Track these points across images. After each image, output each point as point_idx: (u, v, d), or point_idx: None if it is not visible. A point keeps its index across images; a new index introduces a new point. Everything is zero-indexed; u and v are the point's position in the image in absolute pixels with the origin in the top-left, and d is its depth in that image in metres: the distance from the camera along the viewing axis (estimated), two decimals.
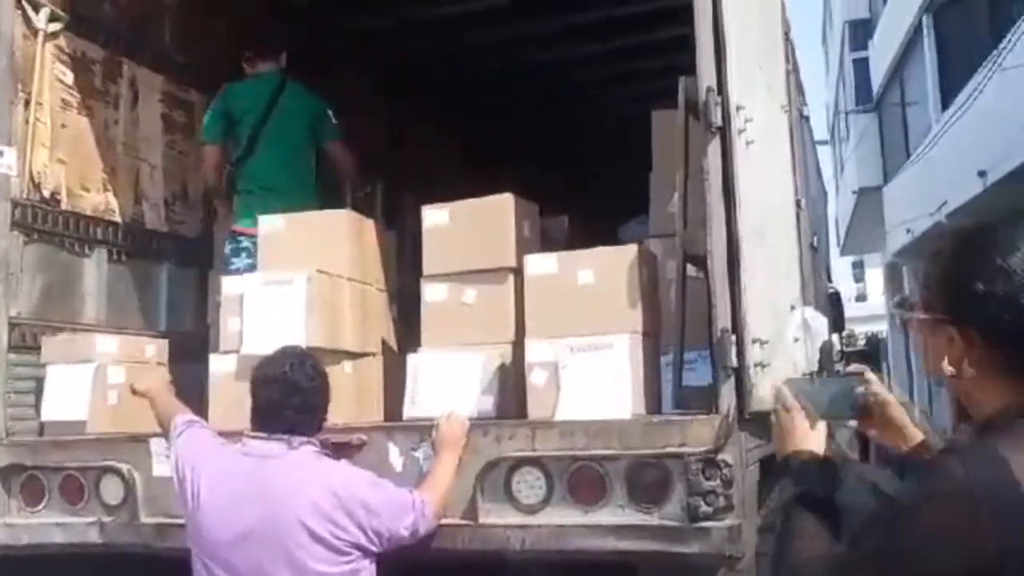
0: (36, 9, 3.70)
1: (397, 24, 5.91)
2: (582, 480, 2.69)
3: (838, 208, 23.15)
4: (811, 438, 1.55)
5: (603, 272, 3.07)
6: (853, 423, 1.76)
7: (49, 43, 3.78)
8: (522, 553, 2.73)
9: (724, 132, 2.72)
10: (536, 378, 3.00)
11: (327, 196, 4.49)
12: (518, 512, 2.76)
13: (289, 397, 2.43)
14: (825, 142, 25.33)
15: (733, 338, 2.66)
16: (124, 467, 3.14)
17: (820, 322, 2.91)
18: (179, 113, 4.56)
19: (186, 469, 2.55)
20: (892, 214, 16.36)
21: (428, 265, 3.39)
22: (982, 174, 10.37)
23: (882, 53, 17.23)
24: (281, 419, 2.44)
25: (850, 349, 25.20)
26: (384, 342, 3.70)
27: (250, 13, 4.92)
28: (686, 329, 3.06)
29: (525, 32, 6.23)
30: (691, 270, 3.31)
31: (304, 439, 2.47)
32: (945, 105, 13.11)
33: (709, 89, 2.74)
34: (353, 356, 3.44)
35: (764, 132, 2.81)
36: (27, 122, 3.64)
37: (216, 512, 2.43)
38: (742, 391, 2.63)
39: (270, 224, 3.60)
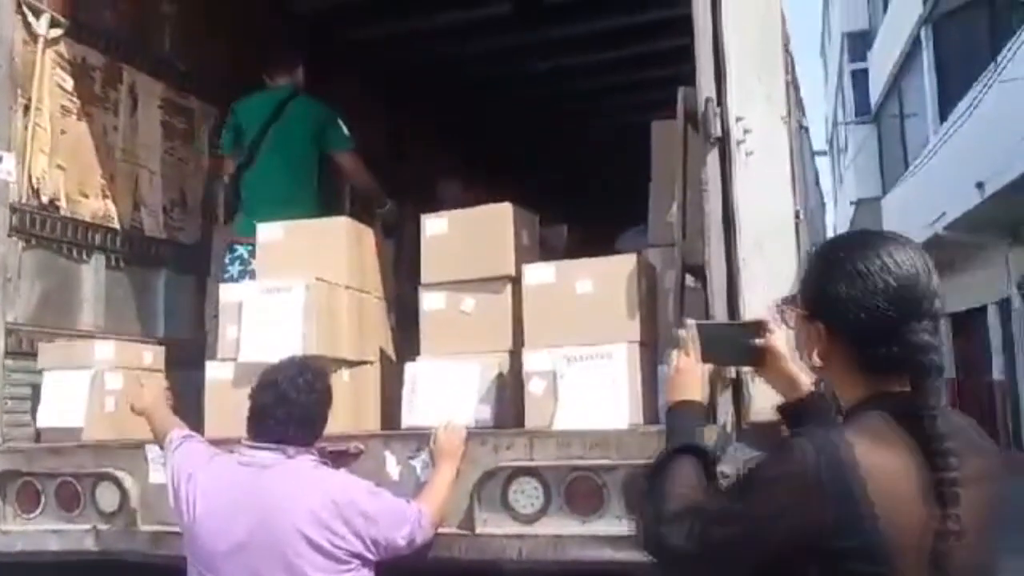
0: (37, 15, 3.70)
1: (398, 33, 5.93)
2: (579, 490, 2.68)
3: (836, 218, 23.22)
4: (700, 387, 1.63)
5: (601, 282, 3.07)
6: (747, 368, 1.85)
7: (49, 49, 3.78)
8: (519, 563, 2.72)
9: (723, 143, 2.72)
10: (534, 387, 2.99)
11: (333, 206, 4.48)
12: (515, 522, 2.75)
13: (277, 407, 2.41)
14: (824, 153, 25.44)
15: None
16: (120, 474, 3.13)
17: None
18: (178, 120, 4.57)
19: (181, 480, 2.54)
20: (890, 225, 16.36)
21: (427, 274, 3.39)
22: (980, 185, 10.40)
23: (881, 65, 17.29)
24: (269, 428, 2.42)
25: None
26: (382, 350, 3.69)
27: (250, 21, 4.94)
28: None
29: (525, 41, 6.25)
30: (689, 280, 3.31)
31: (301, 448, 2.45)
32: (943, 117, 13.15)
33: (708, 100, 2.74)
34: (351, 364, 3.43)
35: (763, 143, 2.81)
36: (27, 128, 3.64)
37: (212, 522, 2.42)
38: (740, 402, 2.62)
39: (268, 232, 3.60)
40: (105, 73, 4.10)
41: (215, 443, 3.02)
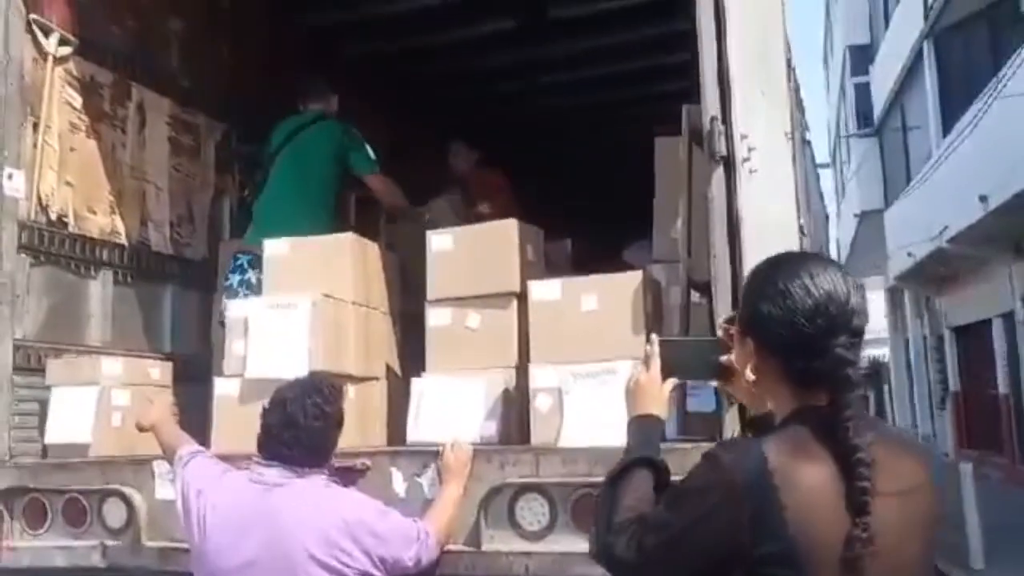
0: (46, 34, 3.73)
1: (404, 49, 5.97)
2: (586, 507, 2.68)
3: (839, 231, 23.21)
4: (660, 401, 1.68)
5: (607, 298, 3.08)
6: (713, 383, 1.92)
7: (58, 67, 3.81)
8: None
9: (728, 161, 2.74)
10: (540, 404, 3.00)
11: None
12: (521, 539, 2.75)
13: (284, 430, 2.40)
14: (827, 165, 25.48)
15: None
16: (128, 490, 3.14)
17: None
18: (185, 136, 4.59)
19: (191, 496, 2.54)
20: (893, 238, 16.40)
21: (432, 290, 3.40)
22: (983, 199, 10.41)
23: (883, 78, 17.34)
24: (277, 449, 2.42)
25: None
26: (388, 366, 3.71)
27: (256, 37, 4.98)
28: None
29: (529, 57, 6.29)
30: (695, 296, 3.33)
31: (312, 469, 2.45)
32: (946, 130, 13.18)
33: (713, 119, 2.76)
34: (357, 380, 3.44)
35: (767, 160, 2.83)
36: (36, 145, 3.66)
37: (222, 538, 2.42)
38: (746, 417, 2.62)
39: (275, 248, 3.62)
40: (113, 90, 4.13)
41: (223, 459, 3.04)
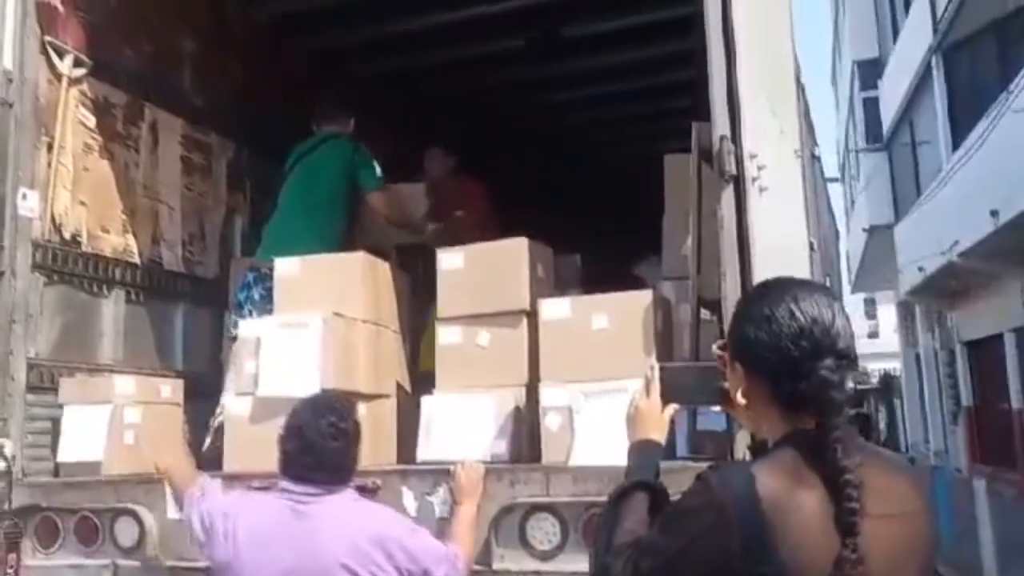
0: (61, 55, 3.77)
1: (413, 68, 6.01)
2: (596, 526, 2.67)
3: (849, 245, 23.15)
4: (660, 426, 1.72)
5: (617, 316, 3.09)
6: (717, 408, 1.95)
7: (73, 88, 3.85)
8: None
9: (738, 180, 2.75)
10: (550, 422, 3.01)
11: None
12: (532, 558, 2.75)
13: (304, 456, 2.39)
14: (836, 179, 25.44)
15: None
16: (139, 509, 3.15)
17: None
18: (197, 155, 4.63)
19: (216, 518, 2.49)
20: (904, 252, 16.34)
21: (443, 308, 3.42)
22: (994, 213, 10.37)
23: (892, 92, 17.33)
24: (301, 473, 2.42)
25: (863, 387, 25.06)
26: (398, 384, 3.71)
27: (266, 57, 5.03)
28: None
29: (538, 75, 6.32)
30: (705, 313, 3.33)
31: (339, 486, 2.44)
32: (955, 144, 13.15)
33: (723, 138, 2.77)
34: (367, 398, 3.45)
35: (777, 178, 2.83)
36: (50, 165, 3.69)
37: (254, 553, 2.38)
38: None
39: (286, 267, 3.64)
40: (127, 111, 4.17)
41: (234, 477, 3.05)
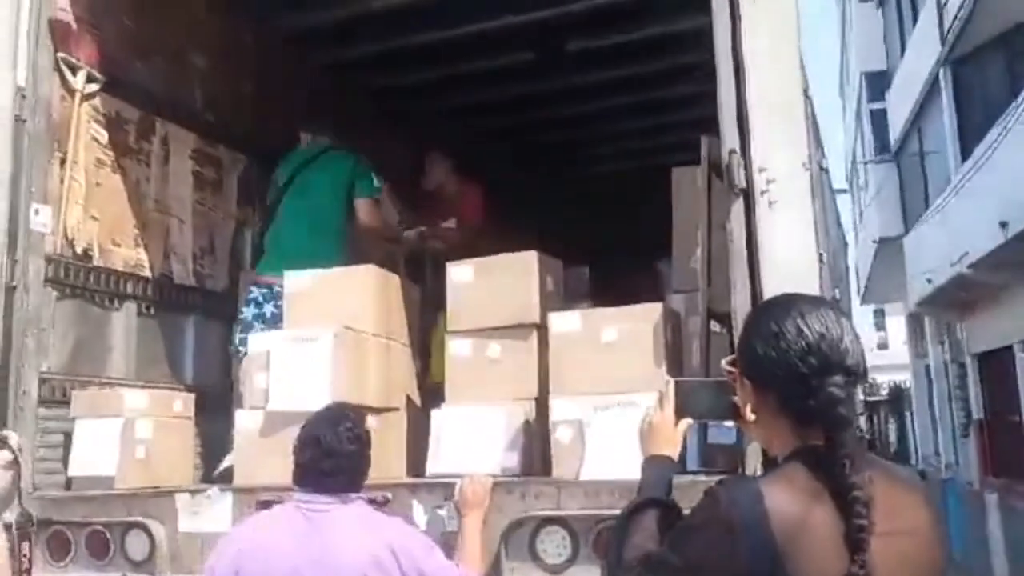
0: (74, 71, 3.81)
1: (423, 81, 6.04)
2: (607, 541, 2.67)
3: (858, 257, 23.09)
4: (674, 442, 1.74)
5: (627, 330, 3.09)
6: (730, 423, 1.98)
7: (85, 103, 3.88)
8: None
9: (747, 193, 2.75)
10: (561, 436, 3.01)
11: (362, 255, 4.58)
12: (543, 572, 2.75)
13: (323, 461, 2.42)
14: (844, 191, 25.39)
15: None
16: (150, 523, 3.15)
17: None
18: (208, 169, 4.66)
19: (225, 552, 2.48)
20: (913, 264, 16.29)
21: (452, 321, 3.43)
22: (1004, 225, 10.34)
23: (900, 104, 17.31)
24: (319, 481, 2.43)
25: (873, 398, 24.94)
26: (408, 397, 3.72)
27: (277, 71, 5.06)
28: None
29: (548, 88, 6.35)
30: (715, 326, 3.33)
31: (354, 495, 2.47)
32: (964, 156, 13.12)
33: (732, 151, 2.78)
34: (377, 412, 3.46)
35: (786, 191, 2.84)
36: (62, 180, 3.72)
37: (270, 563, 2.39)
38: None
39: (296, 281, 3.66)
40: (139, 126, 4.20)
41: (245, 491, 3.06)
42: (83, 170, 3.84)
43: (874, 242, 18.54)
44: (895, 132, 18.01)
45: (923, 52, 14.81)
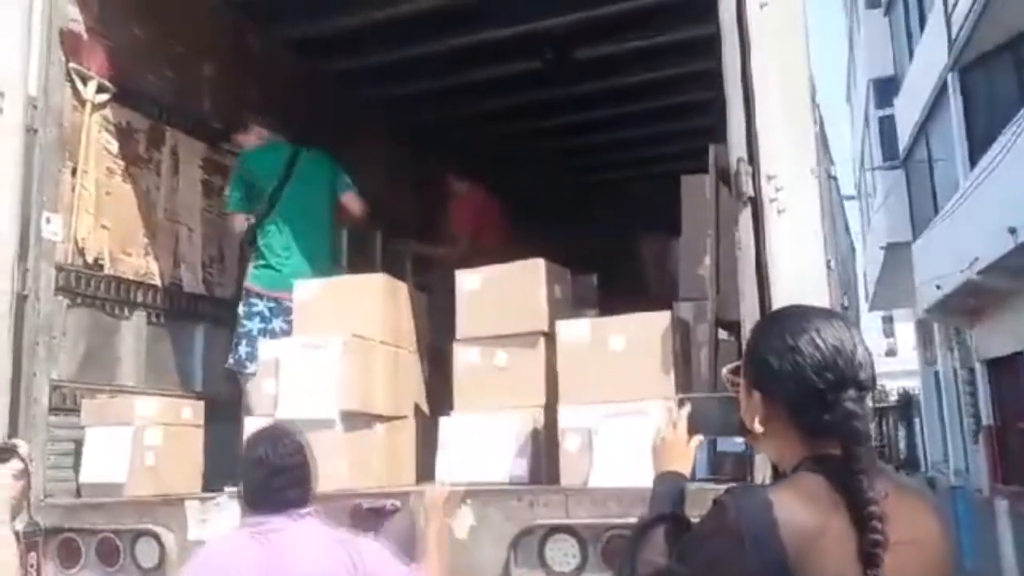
0: (85, 81, 3.84)
1: (430, 90, 6.06)
2: (616, 549, 2.66)
3: (867, 263, 23.04)
4: (686, 458, 1.76)
5: (635, 338, 3.10)
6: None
7: (96, 113, 3.91)
8: None
9: (755, 201, 2.75)
10: (569, 444, 3.01)
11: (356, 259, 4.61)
12: None
13: (273, 478, 2.40)
14: (852, 197, 25.35)
15: None
16: (160, 530, 3.16)
17: None
18: (217, 177, 4.68)
19: None
20: (921, 270, 16.25)
21: (460, 329, 3.43)
22: (1012, 231, 10.32)
23: (908, 110, 17.30)
24: (271, 499, 2.42)
25: (882, 405, 24.83)
26: (416, 405, 3.73)
27: (280, 82, 5.09)
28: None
29: (555, 96, 6.36)
30: (723, 333, 3.33)
31: (305, 510, 2.45)
32: (973, 162, 13.10)
33: (740, 160, 2.78)
34: (385, 419, 3.47)
35: (794, 199, 2.84)
36: (73, 190, 3.74)
37: None
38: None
39: (305, 288, 3.67)
40: (149, 135, 4.23)
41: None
42: (93, 179, 3.87)
43: (882, 248, 18.50)
44: (903, 138, 17.99)
45: (931, 58, 14.80)
